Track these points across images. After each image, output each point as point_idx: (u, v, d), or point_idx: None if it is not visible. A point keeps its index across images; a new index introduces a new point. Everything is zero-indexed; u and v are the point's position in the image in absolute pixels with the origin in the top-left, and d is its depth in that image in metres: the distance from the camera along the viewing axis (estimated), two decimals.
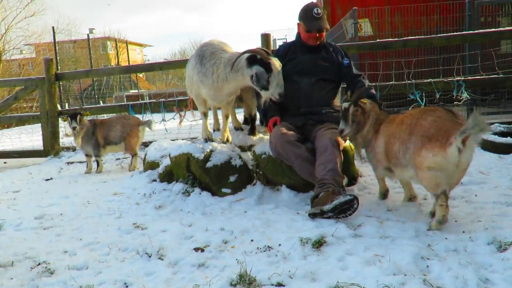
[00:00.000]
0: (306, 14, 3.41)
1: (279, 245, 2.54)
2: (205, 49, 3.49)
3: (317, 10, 3.36)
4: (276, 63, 3.14)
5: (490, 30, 5.72)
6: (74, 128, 5.28)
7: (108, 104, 13.49)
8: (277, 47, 4.08)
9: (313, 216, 2.91)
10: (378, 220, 2.83)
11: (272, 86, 3.12)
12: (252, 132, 4.08)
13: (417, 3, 8.76)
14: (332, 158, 3.06)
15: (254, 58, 3.13)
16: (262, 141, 3.80)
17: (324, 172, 3.02)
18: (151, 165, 4.20)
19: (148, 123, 5.57)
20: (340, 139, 3.24)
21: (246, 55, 3.17)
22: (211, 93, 3.47)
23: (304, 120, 3.49)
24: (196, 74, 3.50)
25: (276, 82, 3.12)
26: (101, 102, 15.53)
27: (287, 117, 3.53)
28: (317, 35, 3.43)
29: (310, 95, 3.48)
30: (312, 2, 3.51)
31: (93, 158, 5.50)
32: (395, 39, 6.21)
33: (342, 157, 3.17)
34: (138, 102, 6.89)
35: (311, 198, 3.04)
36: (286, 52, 3.59)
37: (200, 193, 3.53)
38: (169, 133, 6.48)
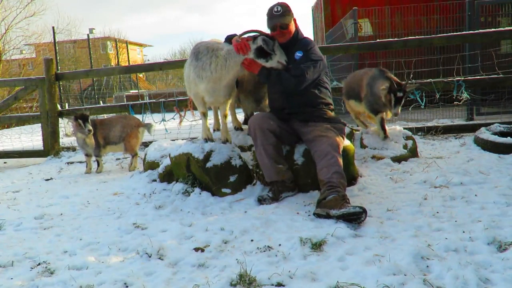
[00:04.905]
0: (268, 13, 3.40)
1: (279, 245, 2.54)
2: (199, 45, 3.54)
3: (277, 8, 3.34)
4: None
5: (490, 30, 5.71)
6: (90, 131, 5.16)
7: (108, 104, 13.50)
8: None
9: (318, 216, 2.93)
10: (378, 220, 2.83)
11: (277, 53, 3.28)
12: None
13: (417, 3, 8.75)
14: (335, 161, 3.10)
15: (256, 36, 3.33)
16: None
17: (330, 174, 3.04)
18: (151, 165, 4.20)
19: (148, 127, 5.56)
20: (339, 142, 3.26)
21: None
22: (209, 87, 3.48)
23: (290, 119, 3.51)
24: (193, 70, 3.51)
25: (280, 50, 3.31)
26: (101, 102, 15.54)
27: (275, 113, 3.55)
28: (279, 31, 3.38)
29: (290, 96, 3.46)
30: (279, 1, 3.43)
31: (93, 158, 5.50)
32: (395, 39, 6.21)
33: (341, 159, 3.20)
34: (138, 102, 6.89)
35: (318, 199, 3.06)
36: None
37: (200, 193, 3.53)
38: (169, 133, 6.48)
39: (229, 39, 3.46)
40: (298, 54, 3.37)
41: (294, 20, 3.43)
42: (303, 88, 3.35)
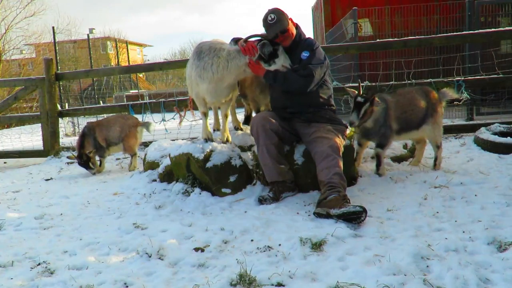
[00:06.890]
0: (264, 23, 3.39)
1: (279, 245, 2.54)
2: (202, 45, 3.53)
3: (271, 16, 3.32)
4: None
5: (490, 30, 5.72)
6: (94, 174, 5.34)
7: (108, 104, 13.49)
8: None
9: (318, 215, 2.94)
10: (378, 220, 2.83)
11: (281, 57, 3.30)
12: None
13: (417, 3, 8.76)
14: (335, 163, 3.11)
15: (261, 40, 3.34)
16: None
17: (330, 175, 3.05)
18: (151, 165, 4.20)
19: (147, 125, 5.55)
20: (340, 144, 3.25)
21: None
22: (210, 87, 3.48)
23: (292, 118, 3.52)
24: (194, 70, 3.50)
25: (284, 55, 3.32)
26: (101, 102, 15.52)
27: (277, 112, 3.55)
28: (281, 37, 3.37)
29: (293, 96, 3.46)
30: (269, 9, 3.42)
31: (97, 158, 5.48)
32: (395, 39, 6.20)
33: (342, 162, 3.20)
34: (138, 102, 6.89)
35: (318, 199, 3.06)
36: None
37: (200, 193, 3.53)
38: (169, 133, 6.48)
39: (235, 41, 3.46)
40: (305, 54, 3.38)
41: (291, 19, 3.43)
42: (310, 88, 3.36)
